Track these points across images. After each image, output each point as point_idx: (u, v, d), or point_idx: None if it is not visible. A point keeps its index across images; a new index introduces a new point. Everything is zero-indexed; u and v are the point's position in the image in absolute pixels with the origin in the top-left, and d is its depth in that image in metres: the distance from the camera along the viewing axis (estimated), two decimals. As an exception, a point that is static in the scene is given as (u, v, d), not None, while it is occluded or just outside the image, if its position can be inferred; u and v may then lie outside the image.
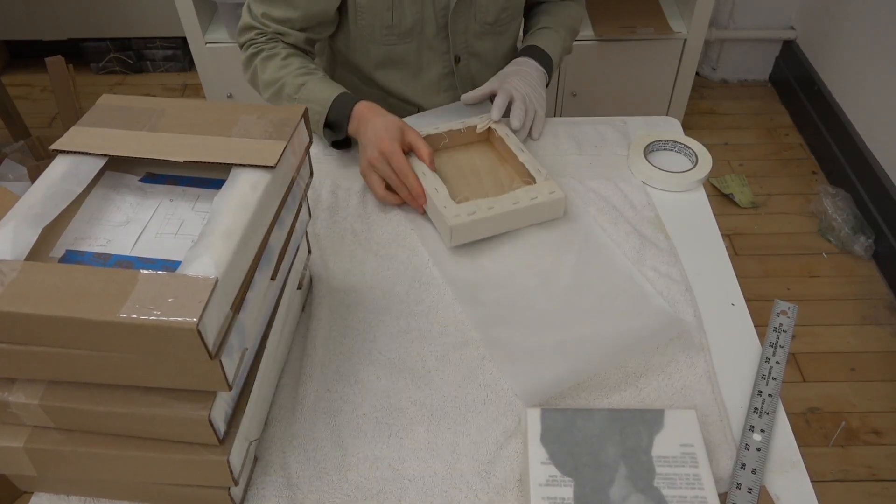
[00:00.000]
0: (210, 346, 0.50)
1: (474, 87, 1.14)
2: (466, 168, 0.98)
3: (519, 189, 0.90)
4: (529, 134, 1.06)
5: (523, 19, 1.20)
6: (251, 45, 1.04)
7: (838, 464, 1.45)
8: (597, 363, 0.75)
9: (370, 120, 0.93)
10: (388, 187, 0.93)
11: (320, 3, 1.01)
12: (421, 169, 0.92)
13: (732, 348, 0.78)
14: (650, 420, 0.65)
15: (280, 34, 1.02)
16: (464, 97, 1.07)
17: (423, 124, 1.03)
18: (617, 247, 0.88)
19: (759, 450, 0.67)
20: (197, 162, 0.61)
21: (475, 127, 1.01)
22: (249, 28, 1.04)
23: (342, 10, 1.06)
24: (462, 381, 0.75)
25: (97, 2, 2.40)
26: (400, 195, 0.92)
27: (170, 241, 0.60)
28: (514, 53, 1.19)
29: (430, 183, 0.90)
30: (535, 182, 0.91)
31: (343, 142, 1.03)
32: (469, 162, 0.99)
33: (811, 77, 2.24)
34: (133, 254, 0.58)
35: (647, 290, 0.82)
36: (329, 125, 0.98)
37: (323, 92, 0.97)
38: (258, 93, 1.06)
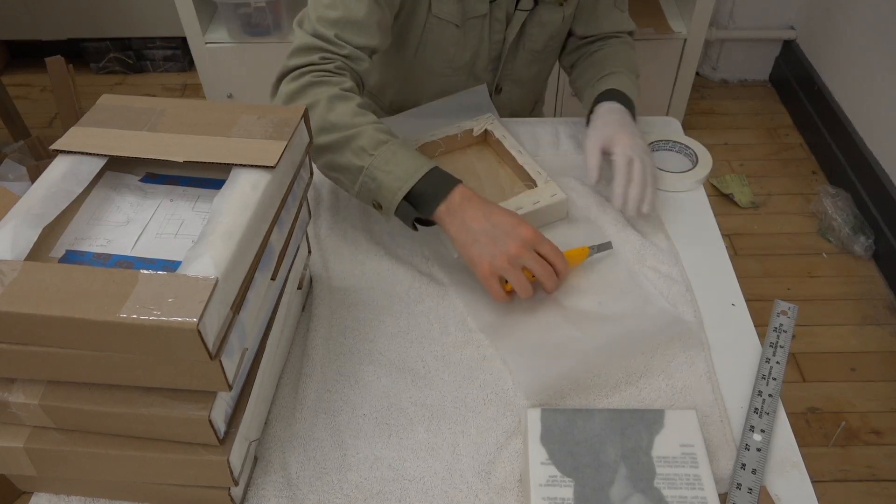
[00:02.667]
0: (210, 347, 0.50)
1: (511, 112, 1.12)
2: (466, 172, 0.97)
3: (521, 194, 0.90)
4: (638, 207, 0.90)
5: (570, 69, 1.15)
6: (312, 71, 0.85)
7: (838, 464, 1.45)
8: (599, 362, 0.75)
9: (484, 206, 0.78)
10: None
11: (377, 37, 0.90)
12: None
13: (732, 348, 0.78)
14: (650, 420, 0.65)
15: (352, 60, 0.88)
16: (587, 178, 0.93)
17: (422, 126, 1.02)
18: (617, 247, 0.88)
19: (759, 450, 0.67)
20: (197, 162, 0.61)
21: (471, 130, 1.01)
22: (313, 49, 0.86)
23: (394, 46, 1.00)
24: (462, 381, 0.75)
25: (97, 2, 2.40)
26: (546, 285, 0.78)
27: (170, 242, 0.60)
28: (546, 77, 1.18)
29: None
30: (535, 185, 0.91)
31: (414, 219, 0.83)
32: (468, 166, 0.99)
33: (811, 77, 2.24)
34: (133, 254, 0.58)
35: (649, 289, 0.83)
36: (409, 198, 0.80)
37: (411, 159, 0.80)
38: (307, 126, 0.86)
